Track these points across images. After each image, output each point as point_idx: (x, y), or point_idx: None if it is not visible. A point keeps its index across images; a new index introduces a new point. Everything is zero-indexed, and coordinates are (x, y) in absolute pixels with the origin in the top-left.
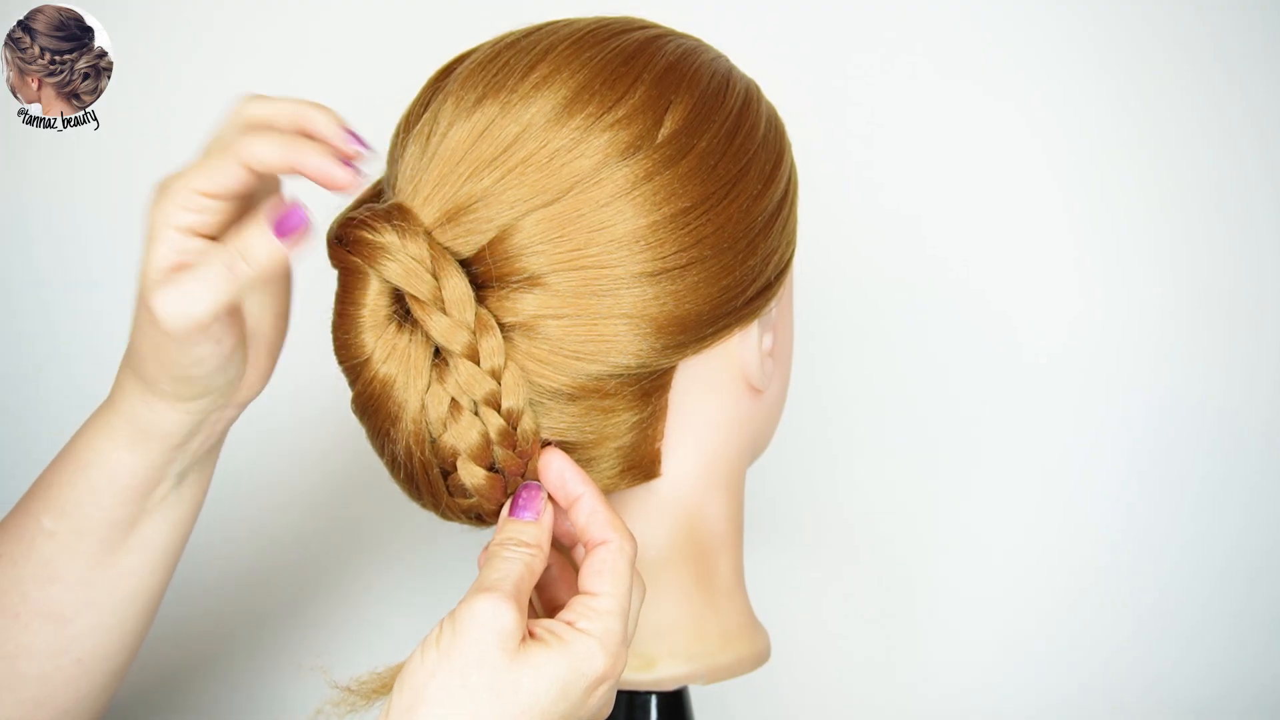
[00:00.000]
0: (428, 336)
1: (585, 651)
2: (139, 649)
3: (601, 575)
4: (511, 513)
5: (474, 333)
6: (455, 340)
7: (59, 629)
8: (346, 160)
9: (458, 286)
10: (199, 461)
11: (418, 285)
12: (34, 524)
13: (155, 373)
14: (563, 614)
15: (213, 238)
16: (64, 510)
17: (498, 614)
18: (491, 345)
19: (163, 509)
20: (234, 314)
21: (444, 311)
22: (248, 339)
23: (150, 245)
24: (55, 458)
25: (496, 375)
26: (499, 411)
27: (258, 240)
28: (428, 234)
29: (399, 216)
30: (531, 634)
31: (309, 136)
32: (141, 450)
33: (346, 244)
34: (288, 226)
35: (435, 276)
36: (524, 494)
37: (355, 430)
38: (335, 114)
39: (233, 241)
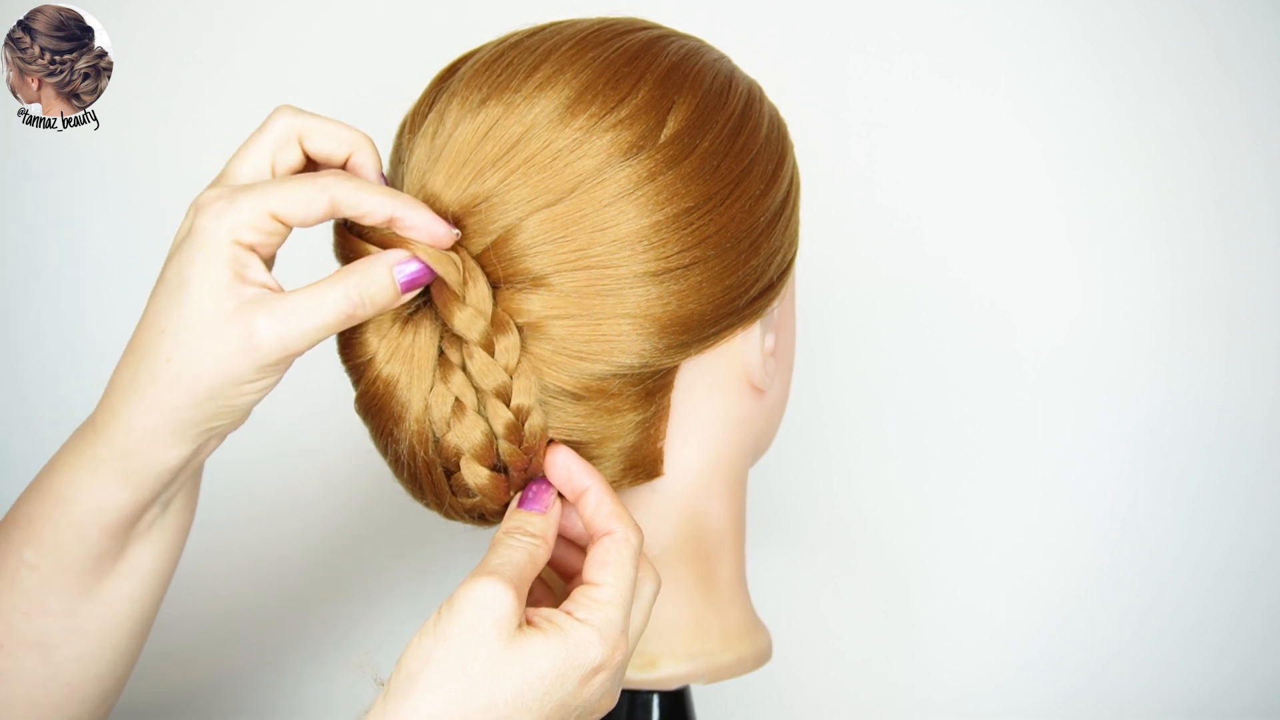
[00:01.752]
0: (435, 331)
1: (581, 640)
2: (134, 667)
3: (605, 566)
4: (520, 505)
5: (490, 323)
6: (473, 329)
7: (46, 655)
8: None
9: (479, 278)
10: (185, 485)
11: (448, 270)
12: (15, 556)
13: (186, 400)
14: (564, 604)
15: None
16: (44, 544)
17: (495, 597)
18: (508, 343)
19: (150, 535)
20: None
21: (464, 300)
22: None
23: (204, 252)
24: (32, 486)
25: (509, 371)
26: (508, 405)
27: (384, 287)
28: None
29: None
30: (530, 622)
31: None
32: (131, 486)
33: (366, 235)
34: (418, 280)
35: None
36: (534, 487)
37: (358, 430)
38: (373, 143)
39: (354, 279)
